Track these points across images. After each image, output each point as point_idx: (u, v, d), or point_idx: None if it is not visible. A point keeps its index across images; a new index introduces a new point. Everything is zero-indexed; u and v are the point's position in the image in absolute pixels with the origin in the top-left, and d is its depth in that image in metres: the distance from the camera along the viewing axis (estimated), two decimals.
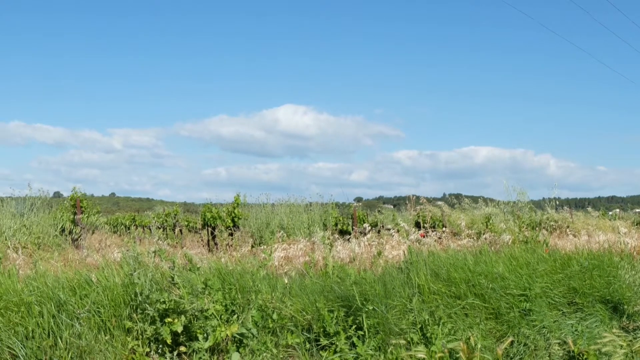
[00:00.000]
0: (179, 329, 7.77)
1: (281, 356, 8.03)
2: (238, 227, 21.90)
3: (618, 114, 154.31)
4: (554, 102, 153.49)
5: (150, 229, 26.25)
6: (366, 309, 8.44)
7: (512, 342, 8.21)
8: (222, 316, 7.99)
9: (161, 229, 32.27)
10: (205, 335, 7.73)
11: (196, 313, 7.95)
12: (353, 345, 7.96)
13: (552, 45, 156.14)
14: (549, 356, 8.28)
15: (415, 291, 9.69)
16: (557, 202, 22.89)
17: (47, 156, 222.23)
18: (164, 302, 8.03)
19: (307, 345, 8.32)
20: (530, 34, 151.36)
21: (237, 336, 7.91)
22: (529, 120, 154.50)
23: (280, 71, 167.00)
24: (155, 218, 34.61)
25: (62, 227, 18.89)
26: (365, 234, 17.03)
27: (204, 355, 7.56)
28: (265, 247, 15.80)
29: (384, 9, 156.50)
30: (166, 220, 34.03)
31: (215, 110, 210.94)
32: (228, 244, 19.09)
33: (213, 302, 7.99)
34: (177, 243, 22.97)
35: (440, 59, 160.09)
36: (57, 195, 27.12)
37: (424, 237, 16.63)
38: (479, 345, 7.20)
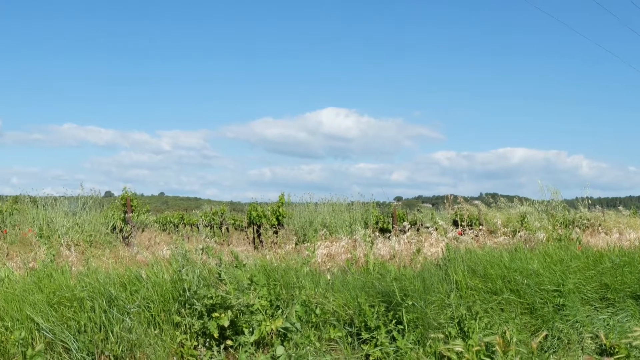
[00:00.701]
0: (226, 324, 7.79)
1: (324, 349, 8.06)
2: (282, 225, 21.96)
3: None
4: (586, 105, 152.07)
5: (198, 227, 26.33)
6: (406, 304, 8.49)
7: (546, 336, 8.25)
8: (267, 311, 8.02)
9: (208, 227, 32.33)
10: (251, 329, 7.74)
11: (242, 308, 7.97)
12: (393, 339, 8.01)
13: (583, 49, 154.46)
14: (581, 349, 8.31)
15: (453, 287, 9.72)
16: (590, 201, 22.75)
17: (99, 157, 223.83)
18: (211, 298, 8.05)
19: (349, 339, 8.37)
20: (562, 39, 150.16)
21: (282, 330, 7.92)
22: (562, 122, 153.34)
23: (323, 75, 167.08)
24: (203, 217, 34.71)
25: (113, 225, 19.00)
26: (405, 232, 17.06)
27: (249, 348, 7.56)
28: (308, 244, 15.82)
29: (422, 15, 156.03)
30: (213, 219, 34.13)
31: (260, 113, 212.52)
32: (273, 241, 19.15)
33: (258, 298, 8.02)
34: (223, 241, 23.04)
35: (477, 63, 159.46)
36: (109, 194, 27.37)
37: (461, 234, 16.63)
38: (515, 339, 7.23)
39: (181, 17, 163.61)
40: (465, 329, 7.72)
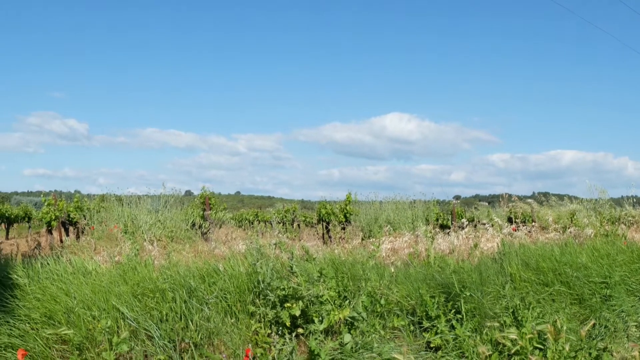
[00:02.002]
0: (297, 313, 7.76)
1: (388, 337, 8.05)
2: (349, 222, 21.98)
3: None
4: (632, 111, 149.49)
5: (271, 224, 26.38)
6: (464, 295, 8.50)
7: (594, 325, 8.22)
8: (336, 301, 8.00)
9: (281, 224, 32.49)
10: (320, 318, 7.68)
11: (312, 299, 7.94)
12: (452, 327, 8.03)
13: (628, 58, 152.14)
14: (627, 337, 8.28)
15: (508, 279, 9.73)
16: (634, 200, 22.44)
17: (179, 159, 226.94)
18: (284, 289, 8.01)
19: (411, 328, 8.40)
20: (609, 48, 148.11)
21: (349, 319, 7.90)
22: (609, 126, 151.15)
23: (388, 82, 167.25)
24: (276, 214, 34.92)
25: (192, 222, 18.92)
26: (463, 228, 16.97)
27: (319, 336, 7.51)
28: (373, 239, 15.80)
29: (478, 28, 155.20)
30: (285, 216, 34.34)
31: (330, 117, 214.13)
32: (341, 237, 19.11)
33: (327, 289, 8.00)
34: (295, 236, 23.07)
35: (529, 71, 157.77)
36: (188, 193, 27.42)
37: (515, 231, 16.52)
38: (565, 328, 7.21)
39: (257, 28, 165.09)
40: (519, 318, 7.72)
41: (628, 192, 22.30)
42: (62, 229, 20.04)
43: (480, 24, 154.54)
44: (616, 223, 18.85)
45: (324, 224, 24.04)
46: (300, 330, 7.82)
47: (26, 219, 39.46)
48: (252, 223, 36.34)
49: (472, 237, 15.53)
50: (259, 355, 7.25)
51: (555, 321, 7.33)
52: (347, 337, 7.42)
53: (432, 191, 43.07)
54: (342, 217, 22.18)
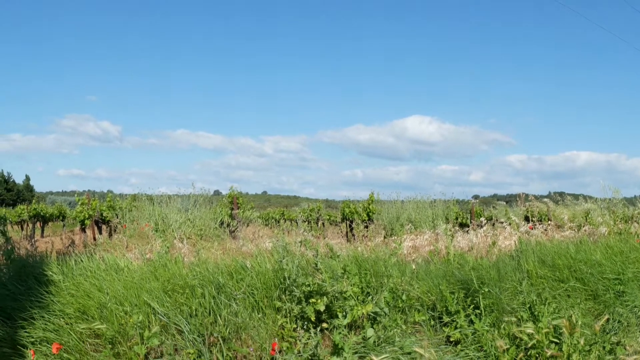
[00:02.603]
0: (322, 308, 7.78)
1: (409, 331, 8.04)
2: (372, 220, 22.02)
3: None
4: None
5: (296, 222, 26.44)
6: (482, 291, 8.52)
7: (608, 320, 8.22)
8: (359, 297, 8.00)
9: (306, 222, 32.50)
10: (344, 313, 7.68)
11: (336, 294, 7.95)
12: (471, 322, 8.04)
13: None
14: (639, 331, 8.29)
15: (525, 276, 9.74)
16: None
17: (208, 160, 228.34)
18: (309, 285, 8.01)
19: (432, 322, 8.40)
20: (622, 54, 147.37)
21: (372, 314, 7.89)
22: (623, 128, 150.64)
23: (409, 86, 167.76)
24: (301, 213, 34.90)
25: (221, 220, 18.90)
26: (481, 227, 16.95)
27: (343, 330, 7.50)
28: (395, 237, 15.83)
29: (494, 34, 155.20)
30: (310, 215, 34.41)
31: (353, 120, 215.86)
32: (364, 235, 19.10)
33: (351, 285, 8.00)
34: (319, 234, 23.05)
35: (545, 75, 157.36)
36: (217, 193, 27.44)
37: (532, 229, 16.50)
38: (580, 322, 7.21)
39: (284, 34, 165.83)
40: (536, 313, 7.73)
41: None
42: (95, 228, 20.22)
43: (497, 30, 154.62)
44: (629, 222, 18.73)
45: (348, 222, 24.10)
46: (324, 324, 7.82)
47: (61, 218, 39.70)
48: (278, 222, 36.32)
49: (490, 235, 15.51)
50: (285, 348, 7.28)
51: (571, 316, 7.34)
52: (369, 332, 7.44)
53: (452, 191, 43.13)
54: (365, 215, 22.24)
